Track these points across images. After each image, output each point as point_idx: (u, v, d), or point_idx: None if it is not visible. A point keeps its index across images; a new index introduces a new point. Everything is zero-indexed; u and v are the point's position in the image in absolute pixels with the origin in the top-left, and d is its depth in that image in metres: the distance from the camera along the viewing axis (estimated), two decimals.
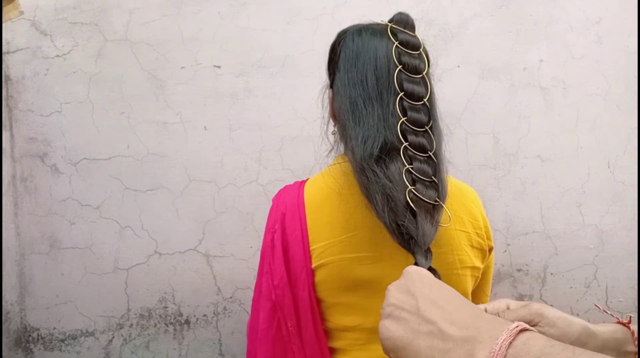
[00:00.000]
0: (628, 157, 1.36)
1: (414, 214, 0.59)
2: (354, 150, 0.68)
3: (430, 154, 0.65)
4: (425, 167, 0.64)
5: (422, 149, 0.65)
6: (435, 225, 0.60)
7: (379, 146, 0.66)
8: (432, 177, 0.63)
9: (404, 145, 0.64)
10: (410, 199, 0.59)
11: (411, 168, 0.62)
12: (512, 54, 1.36)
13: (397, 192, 0.60)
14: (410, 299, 0.41)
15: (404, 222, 0.58)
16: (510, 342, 0.33)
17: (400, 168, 0.62)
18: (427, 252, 0.58)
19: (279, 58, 1.34)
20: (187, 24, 1.34)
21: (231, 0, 1.34)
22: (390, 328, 0.40)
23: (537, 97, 1.36)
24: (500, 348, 0.32)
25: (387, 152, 0.65)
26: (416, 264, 0.56)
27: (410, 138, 0.65)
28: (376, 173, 0.64)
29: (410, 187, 0.60)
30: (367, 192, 0.65)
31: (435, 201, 0.61)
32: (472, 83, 1.36)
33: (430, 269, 0.54)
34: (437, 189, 0.62)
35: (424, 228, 0.58)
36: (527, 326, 0.34)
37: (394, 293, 0.43)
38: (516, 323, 0.34)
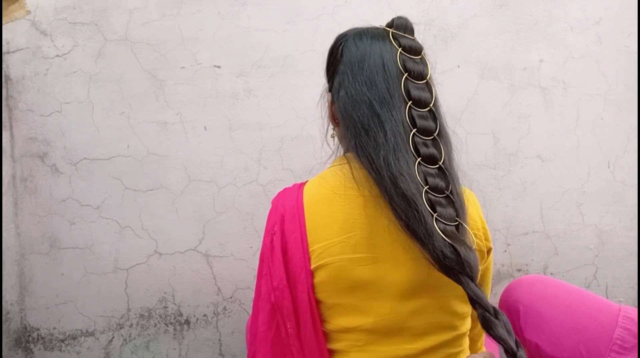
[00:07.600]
0: (628, 157, 1.36)
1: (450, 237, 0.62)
2: (373, 153, 0.68)
3: (440, 164, 0.66)
4: (439, 181, 0.66)
5: (433, 161, 0.67)
6: (471, 250, 0.62)
7: (397, 153, 0.66)
8: (445, 191, 0.65)
9: (417, 160, 0.66)
10: (441, 231, 0.62)
11: (428, 188, 0.65)
12: (512, 54, 1.35)
13: (422, 216, 0.63)
14: None
15: (445, 251, 0.61)
16: None
17: (420, 188, 0.64)
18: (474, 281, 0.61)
19: (279, 58, 1.34)
20: (187, 24, 1.34)
21: (231, 0, 1.34)
22: None
23: (537, 97, 1.36)
24: None
25: (406, 160, 0.66)
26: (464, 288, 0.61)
27: (422, 149, 0.67)
28: (397, 185, 0.64)
29: (433, 214, 0.63)
30: (391, 201, 0.65)
31: (456, 220, 0.63)
32: (472, 83, 1.36)
33: None
34: (453, 205, 0.64)
35: (467, 256, 0.60)
36: None
37: None
38: None
